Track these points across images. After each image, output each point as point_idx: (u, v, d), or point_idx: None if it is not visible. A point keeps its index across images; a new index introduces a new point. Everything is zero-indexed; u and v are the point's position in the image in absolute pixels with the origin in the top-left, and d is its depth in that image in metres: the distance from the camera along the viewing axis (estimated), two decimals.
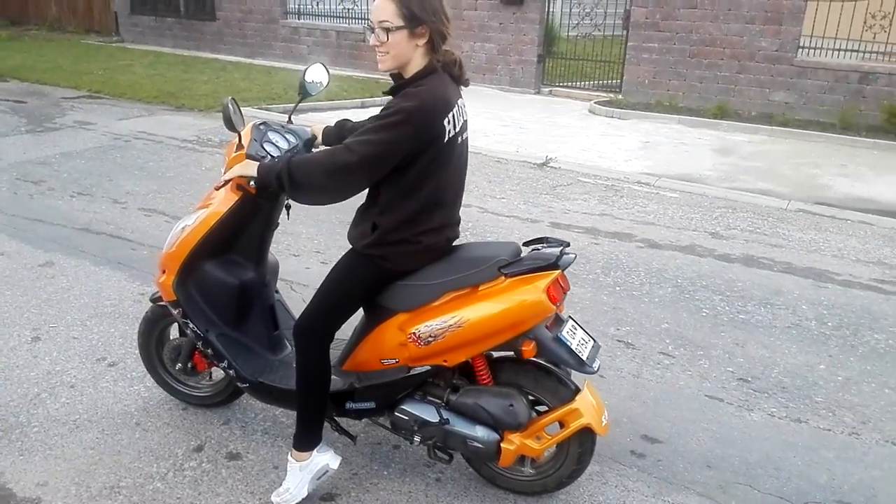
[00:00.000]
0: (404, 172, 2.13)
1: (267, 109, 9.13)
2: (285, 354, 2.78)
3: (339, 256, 4.48)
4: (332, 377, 2.44)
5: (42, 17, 17.69)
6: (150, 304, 2.91)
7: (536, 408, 2.41)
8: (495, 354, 2.40)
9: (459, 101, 2.23)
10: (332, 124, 2.68)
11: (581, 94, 11.06)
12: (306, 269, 4.36)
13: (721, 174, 6.97)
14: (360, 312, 2.48)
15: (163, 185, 5.98)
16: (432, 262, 2.32)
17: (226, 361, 2.62)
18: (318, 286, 2.41)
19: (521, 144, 7.79)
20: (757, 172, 7.07)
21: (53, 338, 3.50)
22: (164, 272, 2.66)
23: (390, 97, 2.24)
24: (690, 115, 9.46)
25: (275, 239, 2.75)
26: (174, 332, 2.96)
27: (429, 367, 2.35)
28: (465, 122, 2.27)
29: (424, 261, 2.31)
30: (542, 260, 2.24)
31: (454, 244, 2.41)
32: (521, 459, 2.44)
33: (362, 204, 2.36)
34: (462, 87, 2.29)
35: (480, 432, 2.34)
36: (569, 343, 2.25)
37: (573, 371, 2.33)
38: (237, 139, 2.49)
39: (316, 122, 2.70)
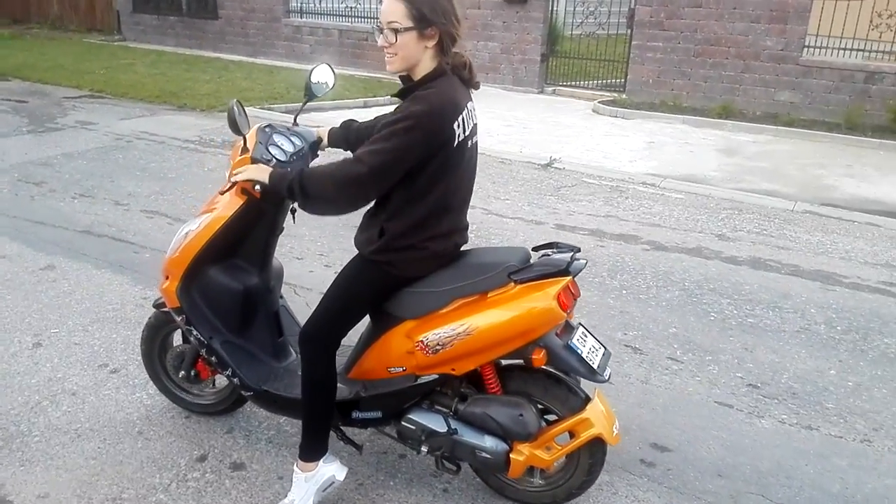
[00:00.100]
0: (413, 177, 2.09)
1: (269, 109, 9.10)
2: (290, 362, 2.74)
3: (343, 259, 4.46)
4: (338, 385, 2.40)
5: (44, 16, 17.65)
6: (153, 310, 2.88)
7: (545, 417, 2.37)
8: (504, 362, 2.36)
9: (469, 105, 2.19)
10: (338, 125, 2.64)
11: (585, 93, 11.01)
12: (310, 272, 4.32)
13: (726, 175, 6.92)
14: (366, 319, 2.44)
15: (165, 187, 5.94)
16: (440, 269, 2.28)
17: (230, 369, 2.58)
18: (321, 290, 2.37)
19: (525, 144, 7.75)
20: (762, 173, 7.02)
21: (55, 343, 3.47)
22: (167, 278, 2.62)
23: (397, 99, 2.21)
24: (695, 115, 9.41)
25: (278, 242, 2.71)
26: (177, 338, 2.91)
27: (436, 376, 2.31)
28: (475, 125, 2.23)
29: (432, 267, 2.27)
30: (552, 266, 2.19)
31: (462, 249, 2.37)
32: (531, 470, 2.40)
33: (369, 209, 2.32)
34: (472, 90, 2.25)
35: (489, 442, 2.30)
36: (579, 351, 2.21)
37: (582, 379, 2.29)
38: (242, 142, 2.45)
39: (319, 122, 2.66)
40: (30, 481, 2.56)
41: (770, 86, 9.52)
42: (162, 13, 15.32)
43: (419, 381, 2.33)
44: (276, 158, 2.43)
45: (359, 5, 12.96)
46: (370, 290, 2.32)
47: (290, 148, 2.50)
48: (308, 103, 2.76)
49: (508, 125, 8.74)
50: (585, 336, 2.30)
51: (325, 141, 2.63)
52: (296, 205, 2.66)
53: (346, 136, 2.58)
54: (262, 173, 2.25)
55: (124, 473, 2.62)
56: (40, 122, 8.18)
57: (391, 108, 2.08)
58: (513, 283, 2.19)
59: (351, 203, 2.14)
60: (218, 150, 7.22)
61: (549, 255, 2.29)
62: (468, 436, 2.32)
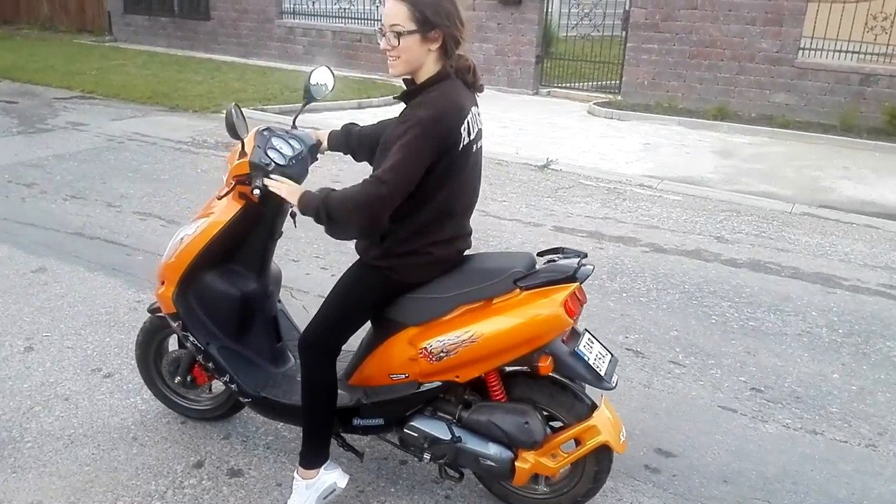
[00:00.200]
0: (418, 182, 2.04)
1: (263, 110, 9.03)
2: (288, 367, 2.69)
3: (340, 262, 4.45)
4: (339, 392, 2.36)
5: (34, 16, 17.50)
6: (148, 315, 2.82)
7: (550, 423, 2.32)
8: (508, 368, 2.31)
9: (474, 109, 2.15)
10: (339, 128, 2.59)
11: (580, 95, 11.00)
12: (306, 274, 4.27)
13: (723, 176, 6.91)
14: (367, 325, 2.39)
15: (158, 188, 5.87)
16: (443, 274, 2.23)
17: (227, 375, 2.53)
18: (318, 293, 2.34)
19: (521, 146, 7.71)
20: (759, 175, 7.01)
21: (47, 347, 3.40)
22: (162, 283, 2.57)
23: (394, 101, 2.16)
24: (690, 117, 9.41)
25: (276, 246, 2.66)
26: (173, 343, 2.86)
27: (440, 383, 2.27)
28: (480, 130, 2.19)
29: (435, 273, 2.23)
30: (558, 272, 2.15)
31: (465, 254, 2.32)
32: (536, 477, 2.36)
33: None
34: (477, 94, 2.21)
35: (493, 450, 2.26)
36: (586, 358, 2.17)
37: (587, 386, 2.25)
38: (240, 146, 2.39)
39: (311, 123, 2.60)
40: (22, 488, 2.50)
41: (765, 87, 9.53)
42: (153, 14, 15.21)
43: (422, 388, 2.28)
44: (274, 162, 2.38)
45: (352, 6, 12.90)
46: (371, 296, 2.27)
47: (288, 152, 2.45)
48: (307, 105, 2.71)
49: (504, 126, 8.71)
50: (592, 342, 2.26)
51: (325, 144, 2.58)
52: (295, 209, 2.62)
53: (346, 140, 2.52)
54: (293, 195, 2.17)
55: (119, 480, 2.56)
56: (31, 122, 8.09)
57: (386, 110, 2.06)
58: (518, 290, 2.15)
59: (375, 226, 2.05)
60: (211, 152, 7.15)
61: (555, 260, 2.24)
62: (472, 443, 2.27)
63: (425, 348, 2.20)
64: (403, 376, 2.29)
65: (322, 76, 2.68)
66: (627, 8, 10.59)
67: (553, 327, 2.13)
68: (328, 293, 2.32)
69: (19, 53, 13.25)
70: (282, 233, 2.63)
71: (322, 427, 2.35)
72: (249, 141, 2.42)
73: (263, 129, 2.50)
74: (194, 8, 14.62)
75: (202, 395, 2.88)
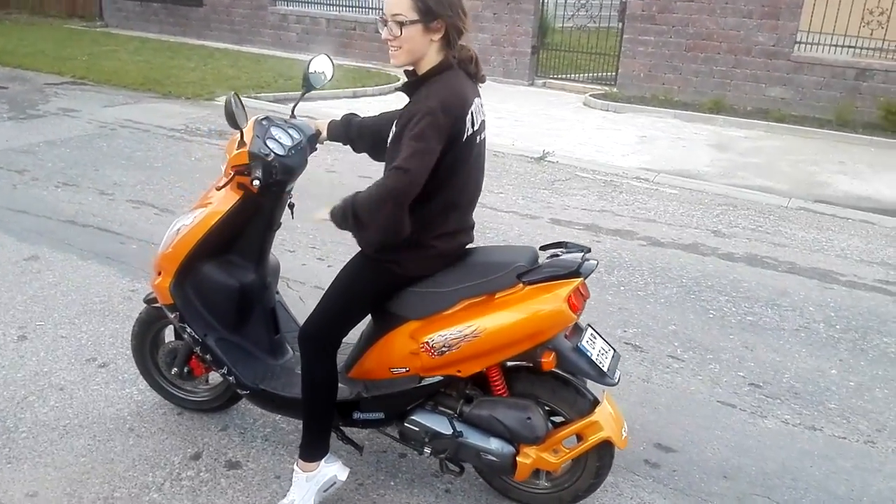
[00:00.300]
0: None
1: (257, 98, 8.94)
2: (287, 359, 2.67)
3: (336, 252, 4.42)
4: (339, 385, 2.33)
5: (23, 1, 17.25)
6: (144, 305, 2.78)
7: (552, 418, 2.31)
8: (510, 363, 2.29)
9: (477, 100, 2.12)
10: (338, 118, 2.55)
11: (575, 86, 10.96)
12: (302, 265, 4.24)
13: (719, 170, 6.91)
14: (367, 317, 2.37)
15: (151, 176, 5.81)
16: (445, 268, 2.21)
17: (225, 367, 2.50)
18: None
19: (517, 137, 7.68)
20: (755, 169, 7.02)
21: (41, 336, 3.36)
22: (159, 274, 2.53)
23: (402, 92, 2.14)
24: (686, 110, 9.39)
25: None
26: (169, 334, 2.82)
27: (441, 378, 2.25)
28: (483, 121, 2.16)
29: (437, 266, 2.20)
30: (562, 267, 2.13)
31: (467, 247, 2.30)
32: (537, 472, 2.35)
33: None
34: (479, 85, 2.19)
35: (495, 445, 2.24)
36: (589, 353, 2.16)
37: (589, 381, 2.24)
38: (239, 135, 2.35)
39: (306, 112, 2.57)
40: (17, 479, 2.47)
41: (761, 81, 9.53)
42: None
43: (423, 382, 2.26)
44: (273, 152, 2.34)
45: None
46: (373, 289, 2.24)
47: (287, 142, 2.42)
48: (305, 94, 2.67)
49: (500, 117, 8.67)
50: (594, 338, 2.25)
51: (324, 134, 2.54)
52: (294, 199, 2.59)
53: (346, 130, 2.49)
54: (321, 214, 2.11)
55: (116, 471, 2.53)
56: (21, 108, 7.98)
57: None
58: (521, 285, 2.13)
59: (398, 215, 1.98)
60: (205, 140, 7.08)
61: (558, 255, 2.22)
62: (473, 438, 2.26)
63: (427, 343, 2.18)
64: (404, 370, 2.27)
65: (321, 64, 2.64)
66: None
67: (556, 323, 2.11)
68: (329, 285, 2.29)
69: (8, 38, 13.07)
70: (280, 224, 2.59)
71: (322, 420, 2.33)
72: (248, 130, 2.38)
73: (262, 119, 2.46)
74: None
75: (199, 387, 2.86)
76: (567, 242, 2.30)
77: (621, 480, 2.58)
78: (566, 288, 2.10)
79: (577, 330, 2.23)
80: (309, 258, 4.36)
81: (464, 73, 2.12)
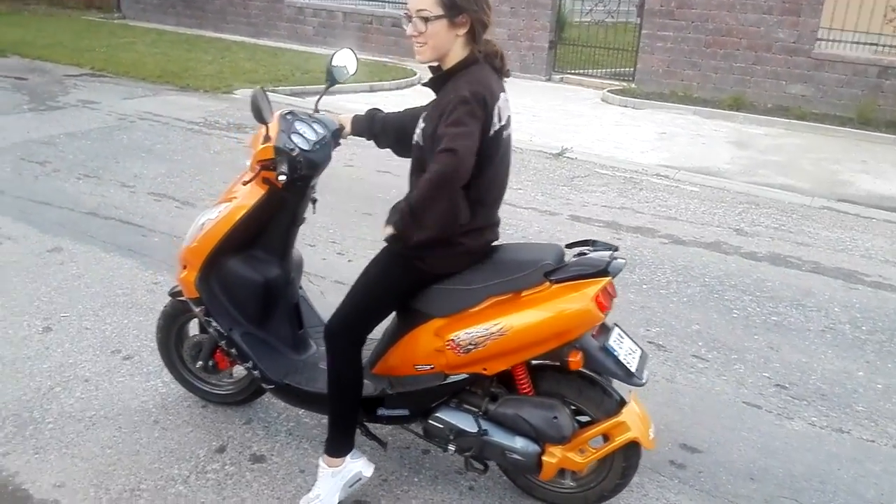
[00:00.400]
0: None
1: (274, 91, 8.94)
2: (310, 354, 2.66)
3: (356, 248, 4.42)
4: (364, 381, 2.33)
5: None
6: (169, 299, 2.79)
7: (577, 418, 2.29)
8: (535, 362, 2.28)
9: (503, 95, 2.11)
10: (362, 113, 2.54)
11: (593, 81, 10.90)
12: (323, 259, 4.23)
13: (740, 168, 6.84)
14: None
15: (171, 169, 5.83)
16: (471, 265, 2.19)
17: (250, 362, 2.51)
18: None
19: (535, 133, 7.64)
20: (776, 167, 6.94)
21: (65, 328, 3.38)
22: (184, 267, 2.54)
23: (426, 88, 2.13)
24: (705, 106, 9.31)
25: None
26: (193, 327, 2.83)
27: (466, 375, 2.23)
28: (509, 117, 2.14)
29: (464, 264, 2.19)
30: (590, 266, 2.11)
31: (493, 245, 2.28)
32: (562, 472, 2.33)
33: (399, 201, 2.22)
34: (504, 80, 2.17)
35: (520, 444, 2.23)
36: (616, 353, 2.14)
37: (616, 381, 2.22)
38: (264, 130, 2.34)
39: (323, 106, 2.55)
40: (45, 470, 2.48)
41: (781, 78, 9.43)
42: None
43: (448, 379, 2.25)
44: (298, 147, 2.33)
45: None
46: (399, 286, 2.23)
47: (312, 136, 2.41)
48: (329, 88, 2.65)
49: (517, 112, 8.51)
50: (622, 337, 2.23)
51: (348, 128, 2.53)
52: (316, 195, 2.58)
53: (369, 125, 2.47)
54: (388, 230, 2.01)
55: (141, 464, 2.54)
56: (41, 100, 8.03)
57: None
58: (549, 283, 2.11)
59: (454, 202, 1.97)
60: (223, 133, 7.10)
61: (585, 253, 2.20)
62: (498, 437, 2.25)
63: (453, 340, 2.17)
64: (429, 367, 2.26)
65: (344, 58, 2.63)
66: None
67: (584, 322, 2.10)
68: (354, 282, 2.28)
69: (27, 29, 13.16)
70: (304, 219, 2.59)
71: (348, 416, 2.33)
72: (273, 125, 2.37)
73: (287, 113, 2.46)
74: None
75: (224, 380, 2.86)
76: (595, 240, 2.28)
77: (647, 481, 2.56)
78: (594, 287, 2.08)
79: (605, 329, 2.21)
80: (329, 253, 4.36)
81: (489, 68, 2.10)
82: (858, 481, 2.64)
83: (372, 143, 2.53)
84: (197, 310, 2.56)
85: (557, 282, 2.10)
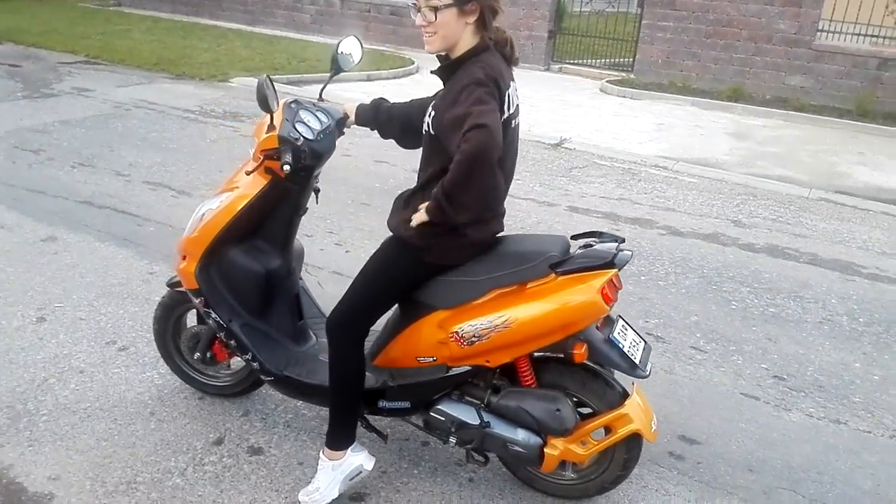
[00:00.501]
0: None
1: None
2: (310, 346, 2.64)
3: (354, 238, 4.39)
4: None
5: None
6: (167, 289, 2.76)
7: (579, 410, 2.28)
8: (537, 354, 2.26)
9: (513, 83, 2.07)
10: (367, 103, 2.51)
11: (591, 72, 10.85)
12: (320, 250, 4.21)
13: (738, 159, 6.82)
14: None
15: (167, 158, 5.78)
16: (476, 257, 2.17)
17: (250, 353, 2.48)
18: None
19: (533, 123, 7.60)
20: (774, 158, 6.93)
21: (60, 318, 3.35)
22: (184, 258, 2.51)
23: (436, 77, 2.10)
24: (704, 97, 9.28)
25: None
26: (191, 318, 2.81)
27: (469, 368, 2.22)
28: (518, 106, 2.11)
29: (468, 255, 2.17)
30: (596, 258, 2.09)
31: (497, 236, 2.26)
32: (563, 463, 2.32)
33: (405, 191, 2.20)
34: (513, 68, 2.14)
35: (522, 436, 2.22)
36: (621, 345, 2.12)
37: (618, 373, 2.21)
38: (269, 119, 2.31)
39: (312, 94, 2.52)
40: (40, 462, 2.46)
41: (781, 69, 9.40)
42: None
43: (451, 372, 2.24)
44: (303, 137, 2.30)
45: None
46: (404, 278, 2.21)
47: (316, 125, 2.38)
48: (334, 76, 2.62)
49: None
50: (626, 329, 2.22)
51: (352, 118, 2.50)
52: (318, 184, 2.56)
53: (375, 115, 2.44)
54: (423, 214, 2.00)
55: (138, 456, 2.52)
56: (35, 87, 7.95)
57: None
58: (554, 275, 2.09)
59: (493, 176, 1.92)
60: (219, 122, 7.04)
61: (591, 245, 2.18)
62: (500, 429, 2.24)
63: (456, 332, 2.15)
64: (431, 359, 2.25)
65: (350, 46, 2.60)
66: None
67: (589, 314, 2.08)
68: (357, 273, 2.26)
69: (21, 16, 13.02)
70: (307, 209, 2.56)
71: (349, 409, 2.31)
72: (278, 114, 2.34)
73: (291, 102, 2.42)
74: None
75: (221, 372, 2.84)
76: (601, 232, 2.26)
77: (646, 472, 2.56)
78: (600, 279, 2.06)
79: (609, 321, 2.20)
80: (327, 243, 4.33)
81: (500, 56, 2.07)
82: (855, 472, 2.64)
83: (370, 132, 2.50)
84: (196, 301, 2.53)
85: (563, 274, 2.09)
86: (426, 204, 1.99)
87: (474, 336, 2.12)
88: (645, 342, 2.25)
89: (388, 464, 2.55)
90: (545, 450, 2.22)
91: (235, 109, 7.48)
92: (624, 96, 9.53)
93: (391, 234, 2.22)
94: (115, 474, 2.43)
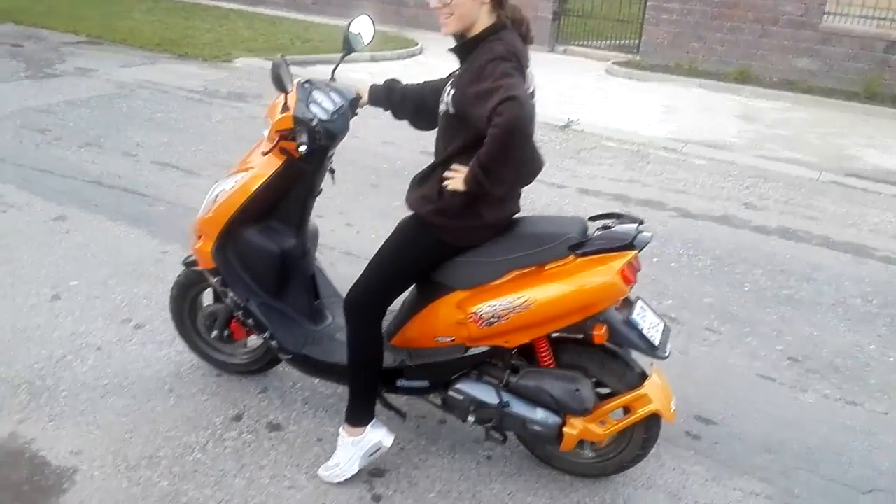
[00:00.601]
0: (480, 137, 1.94)
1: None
2: (326, 325, 2.65)
3: (364, 219, 4.39)
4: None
5: None
6: (183, 268, 2.76)
7: (597, 390, 2.28)
8: (556, 334, 2.26)
9: (529, 64, 2.06)
10: (380, 83, 2.48)
11: (597, 53, 10.77)
12: (331, 230, 4.19)
13: (747, 141, 6.79)
14: None
15: (173, 138, 5.75)
16: (494, 238, 2.17)
17: (267, 332, 2.49)
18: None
19: (540, 104, 7.50)
20: (783, 141, 6.90)
21: (74, 297, 3.35)
22: (199, 238, 2.51)
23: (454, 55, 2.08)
24: (711, 79, 9.22)
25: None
26: (207, 297, 2.81)
27: (487, 348, 2.22)
28: (534, 90, 2.10)
29: (486, 236, 2.16)
30: (616, 239, 2.09)
31: (514, 217, 2.25)
32: (581, 442, 2.33)
33: (424, 169, 2.19)
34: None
35: (541, 415, 2.22)
36: (640, 326, 2.13)
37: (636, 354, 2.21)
38: (283, 100, 2.29)
39: (321, 74, 2.50)
40: (61, 437, 2.48)
41: (788, 52, 9.32)
42: None
43: (469, 352, 2.24)
44: (317, 117, 2.29)
45: None
46: (424, 258, 2.21)
47: (330, 106, 2.36)
48: (346, 56, 2.60)
49: None
50: (645, 310, 2.22)
51: (365, 98, 2.48)
52: (333, 165, 2.54)
53: (388, 95, 2.42)
54: (459, 182, 1.98)
55: (158, 432, 2.54)
56: (38, 67, 7.89)
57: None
58: (573, 256, 2.08)
59: (530, 147, 1.93)
60: (224, 102, 7.00)
61: (609, 226, 2.18)
62: (519, 408, 2.24)
63: (475, 313, 2.15)
64: (450, 339, 2.25)
65: (361, 25, 2.59)
66: None
67: (609, 295, 2.08)
68: (375, 254, 2.25)
69: None
70: (321, 190, 2.55)
71: (368, 387, 2.32)
72: (292, 94, 2.32)
73: (304, 82, 2.40)
74: None
75: (238, 350, 2.85)
76: (620, 213, 2.25)
77: (663, 451, 2.57)
78: (620, 260, 2.06)
79: (628, 303, 2.20)
80: (338, 224, 4.32)
81: (517, 34, 2.05)
82: (873, 453, 2.65)
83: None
84: (213, 280, 2.53)
85: (582, 255, 2.08)
86: (460, 171, 1.98)
87: (493, 317, 2.12)
88: (664, 323, 2.25)
89: (406, 441, 2.56)
90: (564, 429, 2.22)
91: (240, 90, 7.43)
92: (630, 78, 9.46)
93: (407, 214, 2.22)
94: (137, 449, 2.45)
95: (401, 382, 2.39)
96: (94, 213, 4.26)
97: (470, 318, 2.16)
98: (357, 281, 2.26)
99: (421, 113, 2.37)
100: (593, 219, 2.27)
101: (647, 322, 2.18)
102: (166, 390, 2.75)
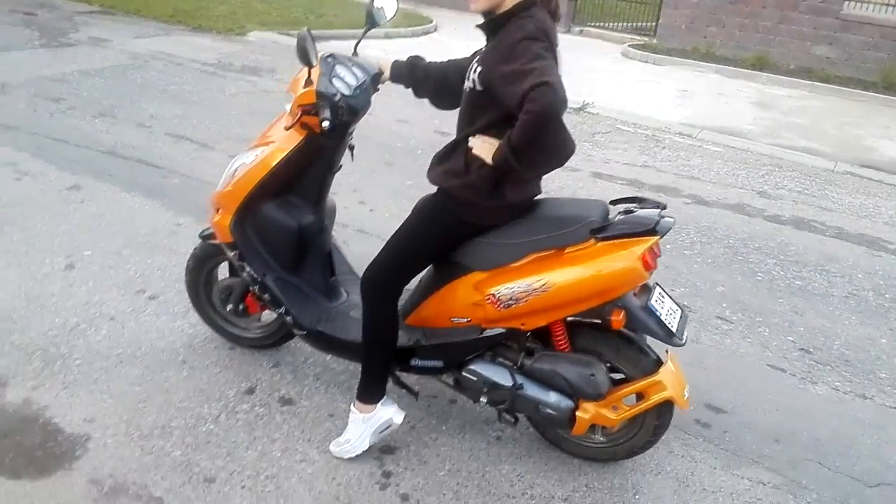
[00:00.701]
0: (508, 116, 1.92)
1: (288, 35, 8.76)
2: (341, 302, 2.65)
3: (377, 197, 4.38)
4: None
5: None
6: (199, 241, 2.76)
7: (611, 375, 2.28)
8: (571, 318, 2.26)
9: (559, 45, 2.03)
10: (404, 59, 2.46)
11: (613, 35, 10.67)
12: (345, 208, 4.16)
13: (763, 129, 6.73)
14: None
15: (187, 110, 5.74)
16: (514, 219, 2.16)
17: (283, 307, 2.50)
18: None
19: None
20: (799, 129, 6.84)
21: (88, 266, 3.37)
22: (217, 211, 2.50)
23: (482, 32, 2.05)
24: (728, 65, 9.12)
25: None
26: (223, 270, 2.81)
27: (503, 330, 2.22)
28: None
29: (506, 217, 2.15)
30: (638, 224, 2.07)
31: (535, 199, 2.24)
32: (592, 427, 2.34)
33: (446, 146, 2.17)
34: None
35: (554, 399, 2.23)
36: (658, 313, 2.12)
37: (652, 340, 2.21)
38: (306, 73, 2.28)
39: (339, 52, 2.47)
40: (75, 405, 2.50)
41: (807, 39, 9.21)
42: None
43: (485, 333, 2.24)
44: (340, 92, 2.27)
45: None
46: (442, 238, 2.20)
47: (352, 81, 2.34)
48: (368, 31, 2.58)
49: None
50: (663, 297, 2.21)
51: (387, 74, 2.46)
52: (353, 141, 2.53)
53: (410, 71, 2.40)
54: (487, 152, 1.97)
55: (171, 402, 2.56)
56: (52, 36, 7.86)
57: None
58: (594, 240, 2.07)
59: (563, 133, 1.88)
60: (238, 75, 6.97)
61: (631, 210, 2.16)
62: (533, 391, 2.24)
63: (493, 294, 2.14)
64: (465, 320, 2.25)
65: (385, 0, 2.55)
66: None
67: (628, 280, 2.07)
68: (394, 232, 2.25)
69: None
70: (341, 166, 2.55)
71: (381, 365, 2.33)
72: (316, 69, 2.30)
73: (328, 56, 2.38)
74: None
75: (252, 324, 2.86)
76: (642, 198, 2.24)
77: (672, 439, 2.58)
78: (641, 246, 2.04)
79: (646, 288, 2.19)
80: (350, 202, 4.31)
81: (547, 12, 2.02)
82: (882, 447, 2.65)
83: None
84: (231, 254, 2.53)
85: (603, 239, 2.07)
86: (489, 142, 1.96)
87: (511, 299, 2.12)
88: (682, 310, 2.24)
89: (417, 419, 2.58)
90: (577, 413, 2.23)
91: (254, 64, 7.40)
92: (646, 61, 9.38)
93: (425, 194, 2.21)
94: (150, 418, 2.47)
95: (414, 362, 2.39)
96: (109, 183, 4.26)
97: (487, 299, 2.16)
98: (375, 259, 2.26)
99: (443, 91, 2.35)
100: (615, 202, 2.26)
101: (665, 308, 2.17)
102: (179, 361, 2.77)
